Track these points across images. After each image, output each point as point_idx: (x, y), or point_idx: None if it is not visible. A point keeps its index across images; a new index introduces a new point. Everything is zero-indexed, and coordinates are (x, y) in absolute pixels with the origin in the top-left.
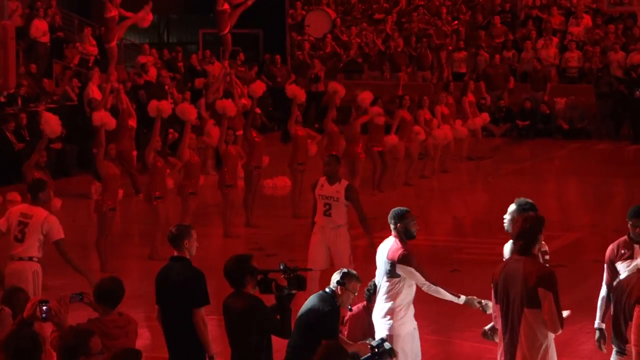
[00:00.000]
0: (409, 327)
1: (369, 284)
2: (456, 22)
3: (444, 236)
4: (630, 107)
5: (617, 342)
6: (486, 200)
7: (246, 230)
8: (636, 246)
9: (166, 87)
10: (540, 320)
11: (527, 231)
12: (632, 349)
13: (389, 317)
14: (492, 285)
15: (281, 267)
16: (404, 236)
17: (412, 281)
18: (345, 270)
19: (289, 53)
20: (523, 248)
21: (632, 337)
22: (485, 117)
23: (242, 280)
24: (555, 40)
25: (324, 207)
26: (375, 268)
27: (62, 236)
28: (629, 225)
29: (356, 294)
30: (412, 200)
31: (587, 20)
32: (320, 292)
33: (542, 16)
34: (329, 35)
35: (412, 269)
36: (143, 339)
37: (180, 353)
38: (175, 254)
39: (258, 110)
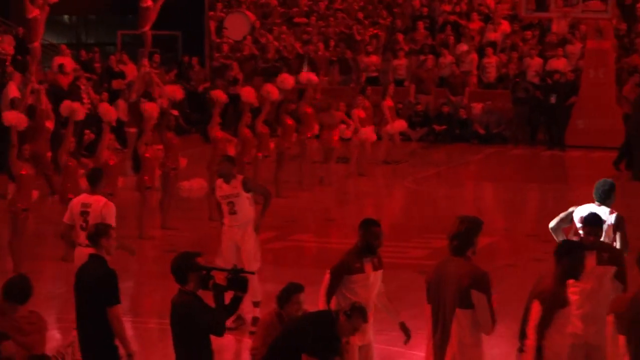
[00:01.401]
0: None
1: (281, 290)
2: (376, 26)
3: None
4: (545, 113)
5: (521, 340)
6: (402, 204)
7: (162, 232)
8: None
9: (82, 87)
10: (471, 321)
11: (463, 233)
12: (530, 344)
13: None
14: (425, 284)
15: (230, 268)
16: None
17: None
18: (357, 304)
19: (207, 55)
20: (457, 249)
21: (529, 333)
22: (403, 123)
23: (184, 277)
24: (475, 45)
25: (227, 207)
26: (285, 271)
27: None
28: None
29: (356, 332)
30: (327, 204)
31: (505, 26)
32: (323, 311)
33: (460, 22)
34: (248, 38)
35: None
36: (54, 341)
37: (92, 353)
38: (94, 251)
39: (175, 112)
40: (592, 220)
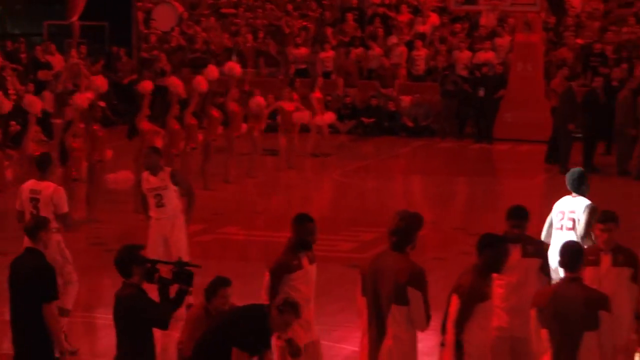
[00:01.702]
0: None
1: (208, 284)
2: (305, 18)
3: (287, 232)
4: (474, 106)
5: (442, 334)
6: (330, 197)
7: (88, 225)
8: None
9: (8, 78)
10: (407, 317)
11: (403, 229)
12: (449, 338)
13: None
14: (360, 276)
15: (175, 261)
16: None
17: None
18: (290, 300)
19: (135, 46)
20: (397, 245)
21: (448, 327)
22: (331, 115)
23: (128, 270)
24: (405, 38)
25: (155, 200)
26: (213, 264)
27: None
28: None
29: (288, 328)
30: (255, 196)
31: (434, 18)
32: (254, 305)
33: (389, 14)
34: (176, 29)
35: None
36: None
37: (25, 350)
38: (30, 245)
39: (102, 104)
40: (517, 213)
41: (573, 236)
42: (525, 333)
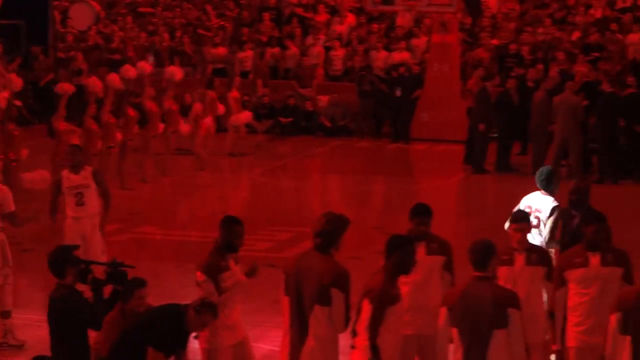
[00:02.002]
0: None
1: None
2: (223, 17)
3: (202, 232)
4: (391, 106)
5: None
6: (248, 197)
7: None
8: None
9: None
10: (328, 318)
11: (329, 231)
12: (361, 343)
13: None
14: (284, 276)
15: (109, 262)
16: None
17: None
18: (207, 300)
19: (51, 45)
20: (321, 246)
21: (359, 331)
22: (248, 114)
23: (62, 271)
24: (320, 38)
25: (75, 198)
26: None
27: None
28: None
29: (205, 328)
30: (171, 196)
31: (351, 19)
32: (171, 305)
33: (306, 14)
34: (93, 28)
35: None
36: None
37: None
38: None
39: (18, 103)
40: (421, 211)
41: (536, 233)
42: (430, 331)
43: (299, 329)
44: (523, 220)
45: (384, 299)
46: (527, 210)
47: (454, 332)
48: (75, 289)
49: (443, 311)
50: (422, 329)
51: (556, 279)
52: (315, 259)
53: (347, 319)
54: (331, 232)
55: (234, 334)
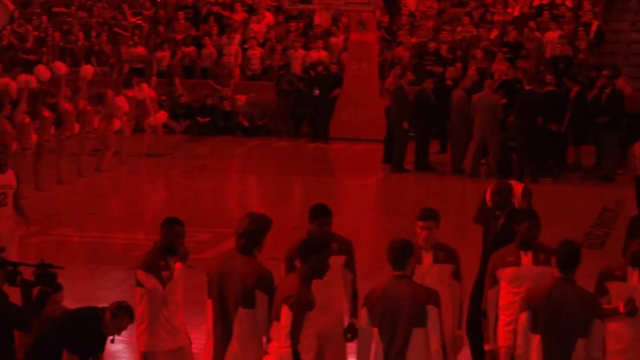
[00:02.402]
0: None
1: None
2: (139, 17)
3: (121, 233)
4: (309, 106)
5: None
6: (166, 197)
7: None
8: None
9: None
10: (253, 321)
11: (252, 232)
12: (285, 351)
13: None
14: (207, 278)
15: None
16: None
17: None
18: (124, 304)
19: None
20: (245, 247)
21: (280, 337)
22: (164, 114)
23: None
24: (237, 37)
25: None
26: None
27: None
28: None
29: (121, 331)
30: (89, 197)
31: (269, 18)
32: (87, 308)
33: (224, 13)
34: (7, 28)
35: None
36: None
37: None
38: None
39: None
40: (321, 212)
41: None
42: (334, 330)
43: (222, 332)
44: (430, 218)
45: (303, 304)
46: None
47: (375, 331)
48: (2, 291)
49: (363, 312)
50: (324, 328)
51: (488, 278)
52: (238, 260)
53: (272, 321)
54: (255, 232)
55: (175, 339)
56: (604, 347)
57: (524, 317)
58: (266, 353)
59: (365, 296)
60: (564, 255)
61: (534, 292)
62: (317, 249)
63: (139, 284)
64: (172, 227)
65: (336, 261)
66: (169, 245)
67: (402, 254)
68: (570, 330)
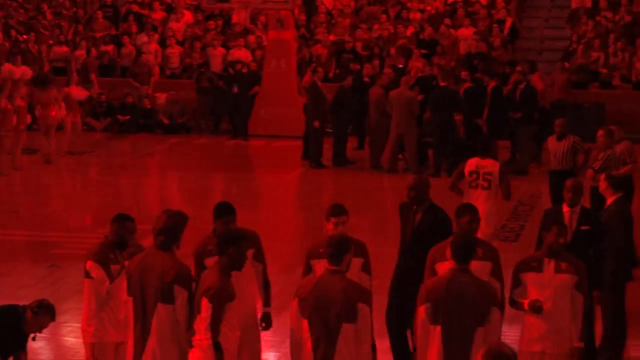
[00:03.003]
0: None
1: None
2: (60, 16)
3: (41, 231)
4: (229, 103)
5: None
6: (87, 195)
7: None
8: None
9: None
10: (172, 317)
11: (170, 228)
12: (206, 343)
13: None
14: (126, 276)
15: None
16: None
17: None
18: (45, 302)
19: None
20: (164, 243)
21: (200, 329)
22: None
23: None
24: (156, 35)
25: None
26: None
27: None
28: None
29: (43, 329)
30: (11, 195)
31: (188, 16)
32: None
33: (142, 12)
34: None
35: None
36: None
37: None
38: None
39: None
40: (225, 210)
41: (488, 195)
42: (249, 320)
43: (142, 329)
44: (343, 214)
45: (223, 295)
46: (474, 176)
47: (304, 323)
48: None
49: (294, 303)
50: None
51: (427, 272)
52: (157, 257)
53: (193, 317)
54: (173, 228)
55: (119, 333)
56: (500, 334)
57: (422, 309)
58: (191, 346)
59: (297, 287)
60: (459, 247)
61: (432, 284)
62: (234, 242)
63: (87, 275)
64: (124, 222)
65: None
66: (120, 239)
67: (339, 250)
68: (469, 320)
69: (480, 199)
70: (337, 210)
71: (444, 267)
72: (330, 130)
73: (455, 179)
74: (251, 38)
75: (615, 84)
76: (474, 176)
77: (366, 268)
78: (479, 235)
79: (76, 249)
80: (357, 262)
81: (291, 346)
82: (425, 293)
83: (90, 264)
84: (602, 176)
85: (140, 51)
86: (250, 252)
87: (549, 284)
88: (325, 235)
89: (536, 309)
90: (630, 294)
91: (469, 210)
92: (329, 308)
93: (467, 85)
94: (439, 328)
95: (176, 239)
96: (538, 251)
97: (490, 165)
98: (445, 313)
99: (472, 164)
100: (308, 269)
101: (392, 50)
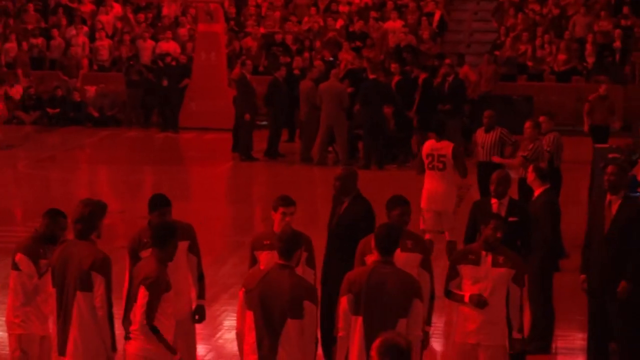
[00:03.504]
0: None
1: None
2: None
3: None
4: (159, 96)
5: (126, 326)
6: (16, 189)
7: None
8: None
9: None
10: (91, 304)
11: (87, 217)
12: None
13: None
14: (50, 268)
15: None
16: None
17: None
18: None
19: None
20: (81, 232)
21: (138, 318)
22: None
23: None
24: (86, 28)
25: None
26: None
27: None
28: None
29: None
30: None
31: (117, 9)
32: None
33: (72, 5)
34: None
35: None
36: None
37: None
38: None
39: None
40: (159, 201)
41: (444, 175)
42: (183, 313)
43: (64, 319)
44: (292, 204)
45: (161, 284)
46: (430, 159)
47: (249, 315)
48: None
49: (241, 293)
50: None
51: (357, 263)
52: (77, 246)
53: (110, 303)
54: (89, 217)
55: (44, 326)
56: (424, 326)
57: (344, 300)
58: (128, 338)
59: (244, 278)
60: (382, 238)
61: (354, 275)
62: (171, 234)
63: (15, 267)
64: (56, 218)
65: (180, 246)
66: (51, 234)
67: (290, 245)
68: (390, 310)
69: (438, 180)
70: (286, 201)
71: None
72: (260, 123)
73: (418, 165)
74: (181, 31)
75: (542, 76)
76: (430, 158)
77: (310, 262)
78: (442, 212)
79: (5, 243)
80: (184, 245)
81: (238, 337)
82: (347, 284)
83: (19, 257)
84: (530, 168)
85: (69, 44)
86: (185, 245)
87: (486, 277)
88: (272, 226)
89: (480, 303)
90: (558, 285)
91: (400, 202)
92: (274, 302)
93: (397, 78)
94: (360, 319)
95: (93, 228)
96: (475, 244)
97: (445, 147)
98: (366, 304)
99: (427, 147)
100: (253, 261)
101: (323, 43)
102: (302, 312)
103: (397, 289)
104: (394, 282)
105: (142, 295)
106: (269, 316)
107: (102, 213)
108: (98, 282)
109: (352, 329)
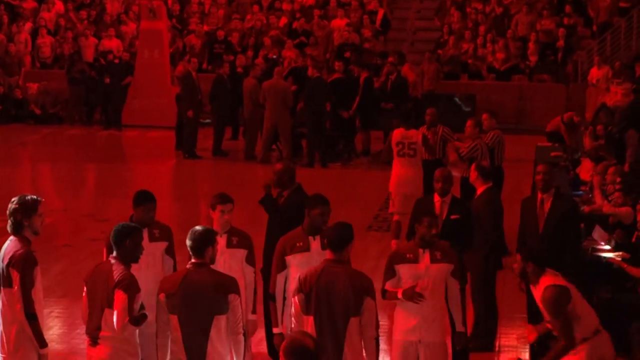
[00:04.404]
0: None
1: None
2: None
3: None
4: (101, 93)
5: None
6: None
7: None
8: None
9: None
10: (12, 300)
11: (16, 211)
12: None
13: None
14: None
15: None
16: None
17: None
18: None
19: None
20: (12, 228)
21: (116, 322)
22: None
23: None
24: (28, 25)
25: None
26: None
27: None
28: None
29: None
30: None
31: (59, 6)
32: None
33: (13, 2)
34: None
35: None
36: None
37: None
38: None
39: None
40: (144, 197)
41: (414, 162)
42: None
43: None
44: (230, 202)
45: (135, 286)
46: (400, 146)
47: (174, 319)
48: None
49: (162, 297)
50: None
51: (276, 263)
52: (11, 243)
53: (29, 301)
54: (14, 212)
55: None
56: (378, 324)
57: (296, 300)
58: (96, 343)
59: (161, 282)
60: (334, 237)
61: (306, 274)
62: (130, 234)
63: None
64: None
65: (158, 247)
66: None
67: (201, 243)
68: (341, 309)
69: (407, 166)
70: (224, 199)
71: (297, 260)
72: (204, 121)
73: (386, 153)
74: (124, 28)
75: (483, 75)
76: (401, 146)
77: (250, 260)
78: (409, 196)
79: None
80: (241, 254)
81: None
82: (298, 283)
83: None
84: (472, 166)
85: (10, 41)
86: (163, 245)
87: (426, 274)
88: (212, 225)
89: (414, 296)
90: (501, 283)
91: (320, 202)
92: (199, 301)
93: (335, 75)
94: (311, 318)
95: (21, 224)
96: (411, 242)
97: (414, 135)
98: (316, 303)
99: (397, 135)
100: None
101: (266, 41)
102: (227, 306)
103: (348, 287)
104: (344, 281)
105: (122, 299)
106: (195, 315)
107: (34, 208)
108: (14, 278)
109: (304, 329)
